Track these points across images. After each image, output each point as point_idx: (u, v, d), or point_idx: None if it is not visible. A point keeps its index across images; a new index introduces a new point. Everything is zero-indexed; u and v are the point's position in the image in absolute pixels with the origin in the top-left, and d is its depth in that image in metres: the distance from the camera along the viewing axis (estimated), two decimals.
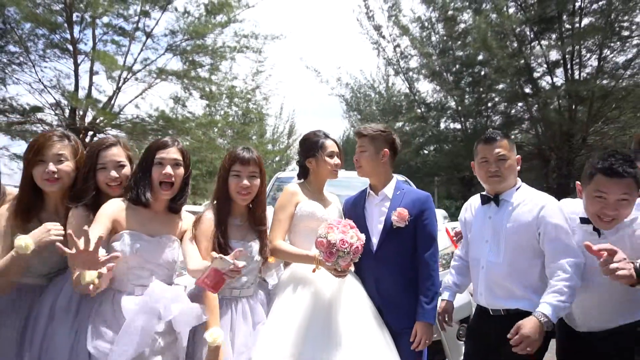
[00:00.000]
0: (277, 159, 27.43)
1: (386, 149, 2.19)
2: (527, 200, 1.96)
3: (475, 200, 2.19)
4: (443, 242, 3.00)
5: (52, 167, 1.71)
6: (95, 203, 1.73)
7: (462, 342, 2.76)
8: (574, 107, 12.53)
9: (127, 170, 1.86)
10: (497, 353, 1.83)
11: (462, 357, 2.66)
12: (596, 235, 1.75)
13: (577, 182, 1.89)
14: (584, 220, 1.77)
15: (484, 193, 2.11)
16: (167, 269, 1.74)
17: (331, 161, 2.18)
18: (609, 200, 1.67)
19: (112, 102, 12.13)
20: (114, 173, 1.81)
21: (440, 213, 4.44)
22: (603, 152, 1.78)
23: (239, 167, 1.86)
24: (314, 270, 1.84)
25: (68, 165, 1.77)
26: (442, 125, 16.89)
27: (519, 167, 2.10)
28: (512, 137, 15.57)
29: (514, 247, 1.87)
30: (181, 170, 1.80)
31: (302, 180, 2.20)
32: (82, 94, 11.86)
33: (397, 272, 1.97)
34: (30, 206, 1.68)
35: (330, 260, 1.78)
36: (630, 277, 1.42)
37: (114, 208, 1.68)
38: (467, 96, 15.42)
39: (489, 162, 2.05)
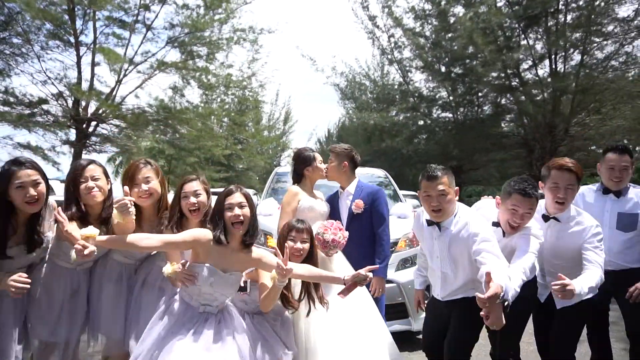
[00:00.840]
0: (273, 145, 28.21)
1: (346, 162, 3.06)
2: (461, 223, 2.37)
3: (423, 215, 2.62)
4: (409, 227, 3.74)
5: (144, 187, 2.35)
6: (180, 223, 2.35)
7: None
8: (557, 100, 13.33)
9: (203, 197, 2.43)
10: (447, 322, 2.56)
11: (422, 315, 3.50)
12: (501, 235, 2.50)
13: (497, 197, 2.63)
14: (494, 224, 2.55)
15: (428, 218, 2.54)
16: (228, 296, 2.26)
17: (322, 167, 3.03)
18: (519, 213, 2.36)
19: (114, 93, 12.81)
20: (192, 199, 2.39)
21: (410, 203, 5.26)
22: (518, 177, 2.48)
23: None
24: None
25: (154, 184, 2.40)
26: (434, 115, 17.67)
27: (457, 197, 2.51)
28: (503, 126, 16.42)
29: (459, 262, 2.41)
30: (247, 210, 2.14)
31: (296, 184, 3.02)
32: (84, 85, 12.53)
33: (359, 245, 2.82)
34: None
35: (325, 250, 2.67)
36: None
37: (204, 239, 2.12)
38: (458, 86, 16.15)
39: (432, 197, 2.38)
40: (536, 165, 14.37)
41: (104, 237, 1.98)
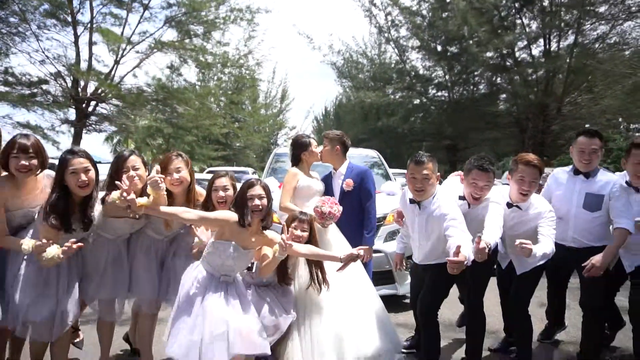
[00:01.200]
0: (270, 122, 28.43)
1: (338, 146, 3.48)
2: (437, 204, 2.72)
3: (407, 193, 2.99)
4: (395, 205, 4.16)
5: (175, 176, 2.71)
6: (208, 210, 2.70)
7: (407, 272, 4.07)
8: (550, 79, 13.66)
9: (230, 192, 2.81)
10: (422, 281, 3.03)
11: (407, 281, 3.97)
12: (467, 207, 2.95)
13: (461, 174, 3.04)
14: (461, 197, 2.97)
15: (411, 197, 2.90)
16: (243, 269, 2.68)
17: (317, 151, 3.45)
18: (479, 185, 2.78)
19: (113, 73, 13.05)
20: (221, 193, 2.79)
21: (400, 182, 5.67)
22: (477, 155, 2.88)
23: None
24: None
25: (184, 173, 2.77)
26: (430, 94, 17.98)
27: (438, 182, 2.89)
28: (498, 105, 16.71)
29: (434, 237, 2.81)
30: (265, 201, 2.52)
31: (295, 166, 3.44)
32: (83, 65, 12.73)
33: (350, 218, 3.26)
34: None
35: (321, 221, 3.11)
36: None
37: (231, 220, 2.49)
38: (455, 64, 16.40)
39: (417, 179, 2.72)
40: (528, 144, 14.81)
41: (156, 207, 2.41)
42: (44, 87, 12.25)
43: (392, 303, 4.25)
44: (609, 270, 2.89)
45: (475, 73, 16.40)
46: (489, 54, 14.01)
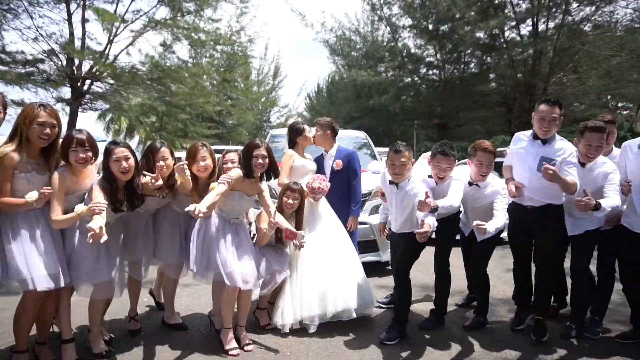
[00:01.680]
0: (263, 99, 28.67)
1: (328, 131, 4.02)
2: (411, 185, 3.26)
3: (387, 176, 3.50)
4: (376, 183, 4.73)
5: (201, 164, 3.18)
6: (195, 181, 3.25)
7: (389, 241, 4.69)
8: (536, 60, 14.15)
9: (209, 162, 3.23)
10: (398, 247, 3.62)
11: (388, 250, 4.59)
12: (434, 184, 3.48)
13: (428, 157, 3.57)
14: (429, 176, 3.49)
15: (390, 179, 3.46)
16: (247, 210, 3.35)
17: (310, 136, 3.98)
18: (442, 167, 3.35)
19: (107, 51, 13.27)
20: (201, 163, 3.19)
21: (385, 161, 6.26)
22: (441, 142, 3.44)
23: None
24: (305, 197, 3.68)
25: (209, 161, 3.23)
26: (421, 72, 18.37)
27: (412, 167, 3.41)
28: (489, 84, 17.15)
29: (407, 211, 3.37)
30: (267, 160, 3.07)
31: (291, 148, 3.97)
32: (76, 43, 12.92)
33: (339, 193, 3.84)
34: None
35: (312, 195, 3.66)
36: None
37: (240, 175, 3.10)
38: (446, 43, 16.75)
39: (395, 165, 3.26)
40: (514, 124, 15.41)
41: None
42: (40, 66, 12.45)
43: (375, 268, 4.91)
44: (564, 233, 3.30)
45: (466, 52, 16.81)
46: (478, 35, 14.40)
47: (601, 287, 3.46)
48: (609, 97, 17.77)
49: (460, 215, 3.66)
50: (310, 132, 3.97)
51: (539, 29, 14.38)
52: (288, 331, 3.31)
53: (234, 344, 3.02)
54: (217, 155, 3.47)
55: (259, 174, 3.18)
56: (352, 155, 4.04)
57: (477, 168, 3.40)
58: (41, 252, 2.45)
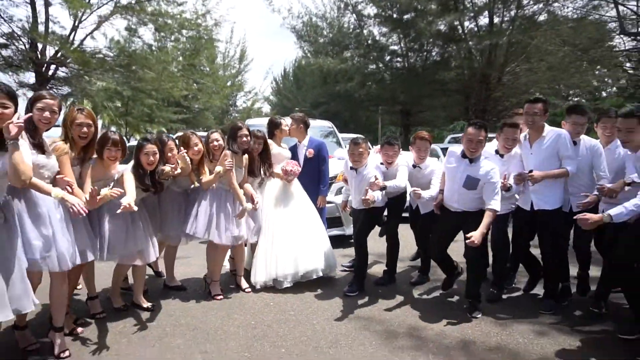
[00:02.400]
0: (229, 83, 28.87)
1: (302, 125, 4.81)
2: (366, 170, 4.10)
3: (348, 163, 4.27)
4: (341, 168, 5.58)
5: (195, 149, 3.88)
6: None
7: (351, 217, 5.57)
8: (492, 51, 15.33)
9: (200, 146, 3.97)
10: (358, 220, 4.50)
11: (351, 225, 5.47)
12: (385, 169, 4.37)
13: (377, 147, 4.46)
14: (381, 163, 4.38)
15: (351, 165, 4.25)
16: (240, 179, 4.09)
17: (286, 129, 4.75)
18: (389, 154, 4.21)
19: (73, 37, 13.40)
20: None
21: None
22: (387, 135, 4.34)
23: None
24: (281, 179, 4.47)
25: (200, 146, 3.90)
26: (386, 59, 19.32)
27: (368, 156, 4.21)
28: (450, 72, 18.29)
29: (362, 190, 3.96)
30: (249, 138, 3.95)
31: (270, 139, 4.73)
32: (39, 27, 12.95)
33: (310, 177, 4.67)
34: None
35: (285, 177, 4.47)
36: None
37: (232, 156, 3.90)
38: (409, 31, 17.71)
39: (354, 155, 4.04)
40: (472, 110, 16.68)
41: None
42: (2, 51, 12.48)
43: (340, 240, 5.80)
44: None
45: (428, 42, 17.84)
46: (439, 27, 15.41)
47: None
48: (560, 85, 19.40)
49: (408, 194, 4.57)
50: (287, 125, 4.75)
51: (495, 22, 15.57)
52: (259, 287, 4.14)
53: (219, 291, 3.99)
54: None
55: (243, 150, 4.05)
56: (322, 145, 4.87)
57: (416, 153, 4.29)
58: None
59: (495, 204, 3.49)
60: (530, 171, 3.58)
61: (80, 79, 14.62)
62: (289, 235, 4.32)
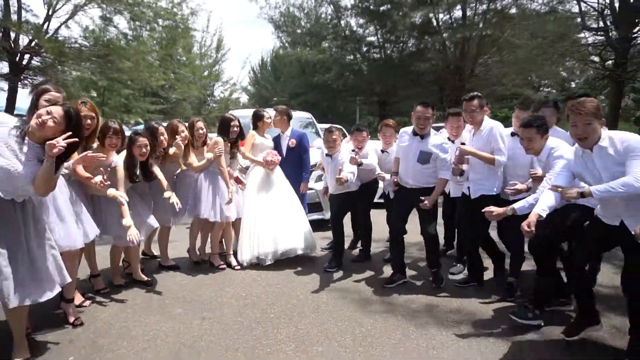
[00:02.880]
0: (205, 73, 28.79)
1: (285, 117, 5.21)
2: (340, 156, 4.60)
3: (325, 150, 4.80)
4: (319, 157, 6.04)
5: (182, 135, 4.28)
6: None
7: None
8: (464, 44, 15.95)
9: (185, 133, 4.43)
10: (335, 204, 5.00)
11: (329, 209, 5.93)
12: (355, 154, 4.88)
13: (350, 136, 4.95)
14: (352, 150, 4.86)
15: (327, 152, 4.77)
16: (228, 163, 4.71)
17: (269, 121, 5.15)
18: (359, 140, 4.66)
19: (47, 26, 13.30)
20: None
21: None
22: (357, 123, 4.80)
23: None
24: (263, 167, 4.89)
25: (186, 132, 4.31)
26: (363, 50, 19.74)
27: (341, 143, 4.75)
28: (426, 63, 18.87)
29: (337, 174, 4.50)
30: (238, 128, 4.56)
31: (254, 130, 5.12)
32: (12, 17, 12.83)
33: (293, 165, 5.10)
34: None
35: (267, 166, 4.89)
36: None
37: (222, 143, 4.44)
38: (386, 21, 18.15)
39: (329, 142, 4.56)
40: (446, 101, 17.31)
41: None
42: None
43: (320, 224, 6.26)
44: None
45: (404, 34, 18.34)
46: (413, 20, 15.91)
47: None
48: (532, 77, 20.26)
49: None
50: (270, 117, 5.14)
51: (468, 15, 16.17)
52: (245, 265, 4.59)
53: (219, 261, 4.57)
54: None
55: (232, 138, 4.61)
56: (303, 136, 5.30)
57: (383, 139, 4.75)
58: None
59: (447, 173, 3.96)
60: (463, 144, 3.93)
61: (55, 69, 14.54)
62: (270, 218, 4.76)
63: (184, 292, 3.92)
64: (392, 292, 3.95)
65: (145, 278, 4.09)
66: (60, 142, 2.37)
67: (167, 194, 3.98)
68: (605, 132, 2.70)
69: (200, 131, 4.51)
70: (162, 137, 4.14)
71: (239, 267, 4.58)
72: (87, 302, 3.57)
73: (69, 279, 2.81)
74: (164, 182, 4.02)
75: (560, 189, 2.69)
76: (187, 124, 4.53)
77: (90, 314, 3.41)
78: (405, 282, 4.15)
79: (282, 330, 3.15)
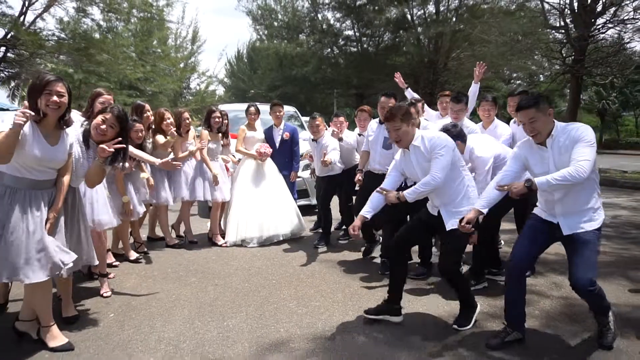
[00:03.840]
0: (181, 65, 28.84)
1: (283, 112, 5.87)
2: (325, 141, 5.35)
3: (311, 136, 5.51)
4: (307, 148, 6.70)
5: (168, 121, 4.89)
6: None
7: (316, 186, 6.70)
8: (438, 39, 16.81)
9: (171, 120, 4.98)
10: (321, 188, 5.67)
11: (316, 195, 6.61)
12: (339, 140, 5.58)
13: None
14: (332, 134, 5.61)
15: (312, 138, 5.49)
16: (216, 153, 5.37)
17: (254, 117, 5.74)
18: (337, 125, 5.45)
19: (23, 19, 13.41)
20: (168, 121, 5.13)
21: None
22: (339, 111, 5.54)
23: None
24: (255, 159, 5.52)
25: (172, 119, 4.89)
26: (340, 43, 20.43)
27: (324, 128, 5.57)
28: (401, 57, 19.70)
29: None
30: (221, 119, 5.27)
31: (245, 124, 5.73)
32: None
33: (285, 156, 5.73)
34: None
35: (259, 157, 5.50)
36: None
37: (207, 135, 5.16)
38: (363, 15, 18.86)
39: (313, 127, 5.30)
40: (420, 94, 18.12)
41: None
42: None
43: (307, 209, 6.94)
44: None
45: (380, 29, 19.11)
46: (388, 15, 16.66)
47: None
48: (504, 70, 21.35)
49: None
50: (255, 113, 5.70)
51: (441, 10, 17.03)
52: (229, 246, 5.25)
53: (221, 240, 5.28)
54: None
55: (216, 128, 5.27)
56: (295, 130, 5.96)
57: (359, 123, 5.38)
58: None
59: None
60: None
61: (31, 62, 14.64)
62: (257, 206, 5.42)
63: (194, 265, 4.54)
64: (372, 263, 4.68)
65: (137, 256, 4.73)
66: (110, 148, 2.82)
67: (143, 175, 4.61)
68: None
69: (187, 121, 5.14)
70: (148, 114, 4.74)
71: (226, 244, 5.28)
72: (112, 274, 4.15)
73: (96, 260, 3.24)
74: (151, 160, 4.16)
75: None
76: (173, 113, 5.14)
77: (117, 284, 3.99)
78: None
79: (284, 292, 3.82)
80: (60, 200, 2.78)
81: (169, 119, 4.90)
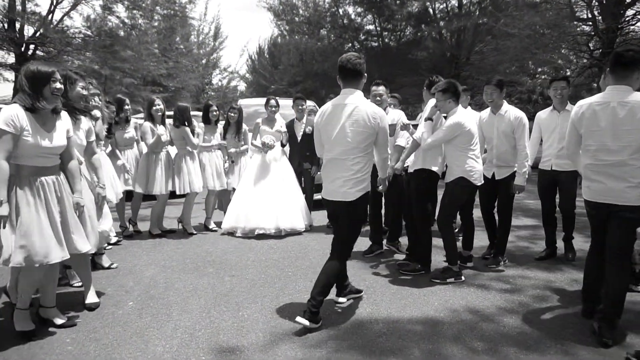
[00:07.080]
0: (203, 61, 29.19)
1: (306, 107, 5.90)
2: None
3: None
4: None
5: (159, 107, 5.09)
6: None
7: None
8: (460, 33, 16.53)
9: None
10: None
11: None
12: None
13: None
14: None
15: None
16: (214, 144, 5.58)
17: (274, 110, 5.76)
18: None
19: (51, 17, 13.80)
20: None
21: None
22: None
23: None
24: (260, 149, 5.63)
25: (163, 106, 5.26)
26: (361, 38, 20.30)
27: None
28: (423, 51, 19.45)
29: None
30: (217, 113, 5.47)
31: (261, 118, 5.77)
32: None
33: (306, 152, 5.77)
34: None
35: (264, 148, 5.54)
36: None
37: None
38: (384, 10, 18.69)
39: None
40: None
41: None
42: None
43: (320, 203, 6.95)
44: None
45: (401, 23, 18.90)
46: (409, 9, 16.46)
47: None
48: (529, 63, 20.85)
49: None
50: (276, 105, 5.74)
51: (464, 3, 16.73)
52: (222, 232, 5.51)
53: (214, 225, 5.57)
54: None
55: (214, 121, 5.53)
56: None
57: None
58: None
59: (401, 140, 4.43)
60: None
61: (59, 59, 15.05)
62: (272, 196, 5.49)
63: (211, 257, 4.61)
64: (384, 258, 4.66)
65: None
66: None
67: (119, 162, 4.94)
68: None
69: (158, 107, 5.15)
70: (126, 107, 5.10)
71: (217, 228, 5.59)
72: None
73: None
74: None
75: None
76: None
77: (137, 272, 4.09)
78: (382, 252, 4.83)
79: (299, 284, 3.85)
80: (78, 183, 2.98)
81: (158, 104, 5.15)
